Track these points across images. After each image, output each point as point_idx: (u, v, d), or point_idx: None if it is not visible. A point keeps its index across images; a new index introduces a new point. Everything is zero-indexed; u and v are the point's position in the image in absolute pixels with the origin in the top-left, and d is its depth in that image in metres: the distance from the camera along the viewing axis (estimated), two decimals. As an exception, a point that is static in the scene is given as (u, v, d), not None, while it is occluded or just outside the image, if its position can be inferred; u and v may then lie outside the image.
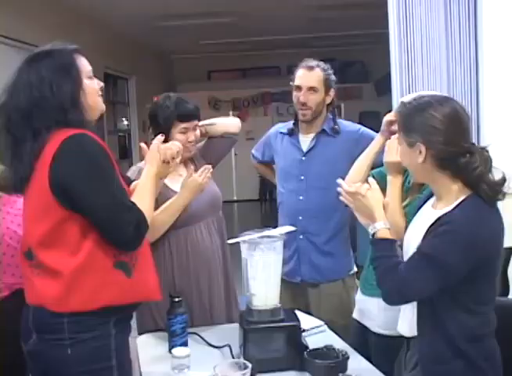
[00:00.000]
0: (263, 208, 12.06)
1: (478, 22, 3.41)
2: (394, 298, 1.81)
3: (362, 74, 12.57)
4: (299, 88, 2.93)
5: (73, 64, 1.93)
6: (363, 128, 3.02)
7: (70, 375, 1.88)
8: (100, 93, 2.02)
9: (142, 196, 2.00)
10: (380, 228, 1.87)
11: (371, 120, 11.36)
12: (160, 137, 2.20)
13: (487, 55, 3.38)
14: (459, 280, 1.71)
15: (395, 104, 3.36)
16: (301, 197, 2.96)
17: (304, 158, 2.99)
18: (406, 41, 3.45)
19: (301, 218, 2.94)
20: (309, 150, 2.98)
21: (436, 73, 3.47)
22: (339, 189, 2.03)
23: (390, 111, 2.52)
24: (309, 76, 2.91)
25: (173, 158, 2.16)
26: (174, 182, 2.57)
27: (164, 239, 2.51)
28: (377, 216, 1.90)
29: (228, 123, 2.86)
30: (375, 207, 1.92)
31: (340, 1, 7.81)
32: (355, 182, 2.53)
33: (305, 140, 3.01)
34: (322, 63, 2.96)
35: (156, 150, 2.15)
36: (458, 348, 1.74)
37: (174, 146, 2.20)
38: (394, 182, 2.30)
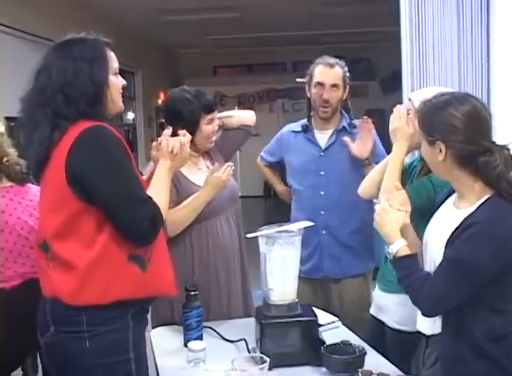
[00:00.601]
0: (267, 204, 12.07)
1: (491, 19, 3.40)
2: (432, 310, 1.79)
3: (367, 71, 12.55)
4: (321, 85, 2.94)
5: (105, 56, 1.93)
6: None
7: (88, 368, 1.87)
8: (121, 91, 2.00)
9: (157, 190, 2.01)
10: (400, 247, 1.84)
11: (377, 118, 11.41)
12: (168, 131, 2.23)
13: (499, 52, 3.38)
14: (489, 281, 1.70)
15: (406, 101, 3.35)
16: (321, 192, 2.97)
17: (322, 154, 3.00)
18: (418, 38, 3.45)
19: (322, 212, 2.95)
20: (328, 146, 3.00)
21: (447, 70, 3.47)
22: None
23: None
24: (331, 73, 2.94)
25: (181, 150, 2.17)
26: (193, 176, 2.58)
27: (185, 233, 2.51)
28: (393, 235, 1.86)
29: (244, 115, 2.89)
30: (390, 226, 1.87)
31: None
32: (368, 190, 2.53)
33: (322, 136, 3.03)
34: (339, 61, 2.99)
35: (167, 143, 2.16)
36: (481, 348, 1.72)
37: (183, 138, 2.21)
38: (397, 149, 2.33)
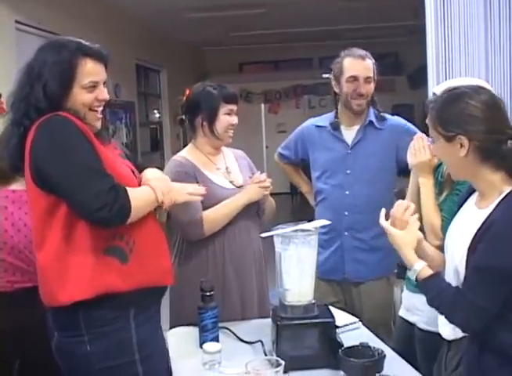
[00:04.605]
0: (294, 201, 11.99)
1: (519, 9, 3.30)
2: (473, 325, 1.68)
3: (394, 66, 12.38)
4: (355, 78, 2.83)
5: (69, 70, 1.85)
6: (409, 124, 2.94)
7: (92, 372, 1.86)
8: (96, 104, 1.92)
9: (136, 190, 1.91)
10: (420, 268, 1.75)
11: (404, 113, 11.25)
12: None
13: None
14: None
15: (431, 96, 3.27)
16: (347, 192, 2.86)
17: (350, 151, 2.89)
18: (443, 32, 3.36)
19: (347, 213, 2.84)
20: (356, 143, 2.88)
21: (474, 64, 3.37)
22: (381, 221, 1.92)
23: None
24: (364, 65, 2.84)
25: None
26: (213, 175, 2.60)
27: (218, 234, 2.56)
28: (410, 258, 1.78)
29: (271, 214, 2.79)
30: (404, 248, 1.80)
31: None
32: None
33: (349, 133, 2.91)
34: (368, 53, 2.89)
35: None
36: (506, 357, 1.64)
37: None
38: (426, 184, 2.24)
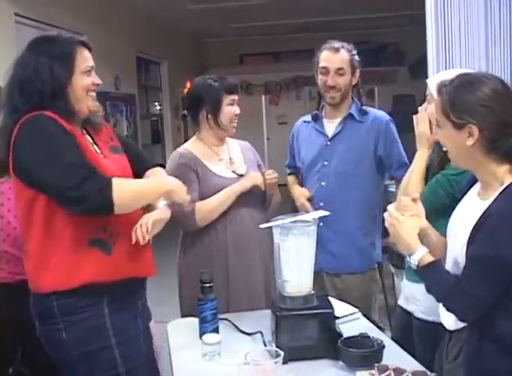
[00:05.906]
0: (295, 193, 11.96)
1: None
2: (469, 316, 1.68)
3: (396, 56, 12.35)
4: (326, 70, 2.85)
5: (70, 55, 1.95)
6: (390, 121, 2.93)
7: (71, 358, 1.94)
8: (93, 88, 2.01)
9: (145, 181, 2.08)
10: (422, 255, 1.73)
11: (405, 103, 11.20)
12: None
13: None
14: None
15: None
16: (323, 183, 2.89)
17: (329, 143, 2.92)
18: (443, 22, 3.35)
19: (322, 204, 2.83)
20: (335, 135, 2.92)
21: (474, 54, 3.37)
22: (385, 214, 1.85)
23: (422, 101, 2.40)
24: (335, 57, 2.84)
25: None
26: (215, 166, 2.63)
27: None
28: (413, 245, 1.75)
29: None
30: (408, 235, 1.76)
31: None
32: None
33: (330, 125, 2.95)
34: (346, 44, 2.89)
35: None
36: (506, 346, 1.63)
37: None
38: (421, 156, 2.28)
